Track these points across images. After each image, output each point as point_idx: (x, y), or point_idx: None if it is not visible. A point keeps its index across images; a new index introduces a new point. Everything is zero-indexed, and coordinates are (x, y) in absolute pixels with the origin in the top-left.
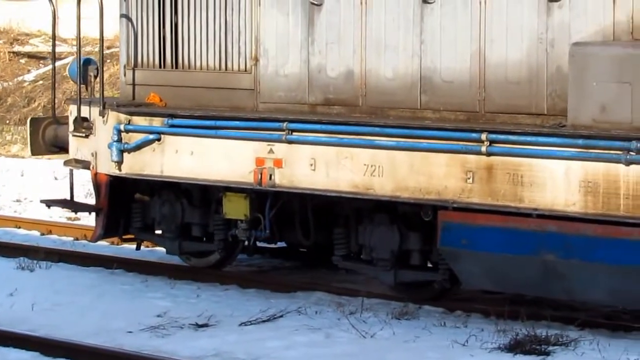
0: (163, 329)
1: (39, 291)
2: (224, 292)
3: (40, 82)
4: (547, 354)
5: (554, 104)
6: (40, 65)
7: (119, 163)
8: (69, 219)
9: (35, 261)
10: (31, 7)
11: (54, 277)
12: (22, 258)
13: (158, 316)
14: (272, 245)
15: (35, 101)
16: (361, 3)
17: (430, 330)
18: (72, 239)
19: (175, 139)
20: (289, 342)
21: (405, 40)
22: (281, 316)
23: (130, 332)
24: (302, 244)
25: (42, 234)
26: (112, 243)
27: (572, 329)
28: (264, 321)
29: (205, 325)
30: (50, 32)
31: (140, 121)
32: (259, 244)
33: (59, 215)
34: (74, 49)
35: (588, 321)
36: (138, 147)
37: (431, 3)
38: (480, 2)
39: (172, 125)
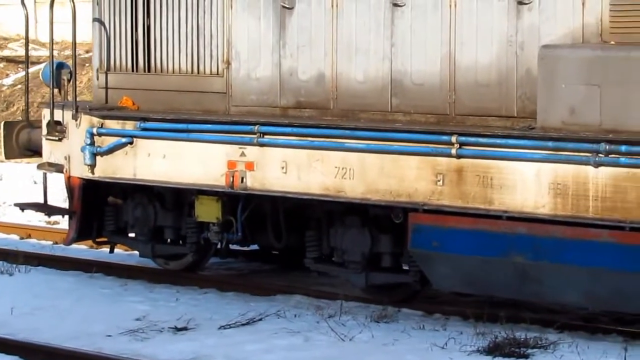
0: (142, 333)
1: (18, 295)
2: (203, 295)
3: (19, 86)
4: (526, 356)
5: (524, 107)
6: (19, 69)
7: (92, 166)
8: (48, 223)
9: (14, 265)
10: (9, 11)
11: (33, 281)
12: (1, 262)
13: (137, 320)
14: (245, 248)
15: (14, 105)
16: (332, 6)
17: (409, 333)
18: (51, 242)
19: (148, 142)
20: (268, 346)
21: (375, 43)
22: (260, 319)
23: (109, 335)
24: (274, 247)
25: (22, 238)
26: (91, 247)
27: (551, 331)
28: (243, 324)
29: (185, 329)
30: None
31: (112, 125)
32: (232, 246)
33: (38, 219)
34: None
35: (567, 324)
36: (111, 150)
37: (401, 6)
38: (450, 5)
39: (144, 129)
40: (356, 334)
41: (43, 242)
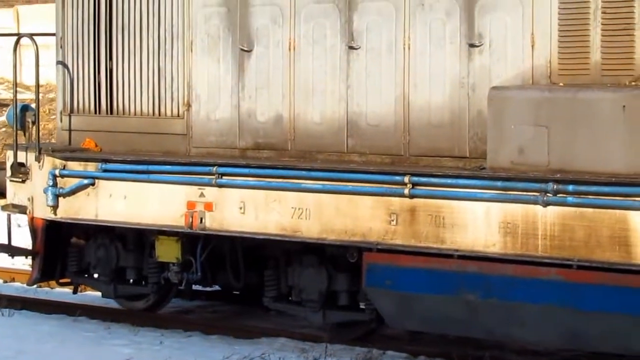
0: None
1: (2, 339)
2: (187, 338)
3: (4, 129)
4: None
5: (475, 147)
6: (3, 112)
7: (55, 207)
8: (31, 266)
9: None
10: None
11: (17, 325)
12: None
13: None
14: (208, 289)
15: None
16: (289, 49)
17: None
18: (35, 286)
19: (109, 183)
20: None
21: (332, 85)
22: None
23: None
24: (234, 287)
25: (5, 282)
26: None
27: None
28: None
29: None
30: (12, 79)
31: (75, 166)
32: (195, 287)
33: (22, 262)
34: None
35: None
36: (73, 191)
37: (357, 49)
38: (404, 48)
39: (106, 170)
40: None
41: (27, 285)
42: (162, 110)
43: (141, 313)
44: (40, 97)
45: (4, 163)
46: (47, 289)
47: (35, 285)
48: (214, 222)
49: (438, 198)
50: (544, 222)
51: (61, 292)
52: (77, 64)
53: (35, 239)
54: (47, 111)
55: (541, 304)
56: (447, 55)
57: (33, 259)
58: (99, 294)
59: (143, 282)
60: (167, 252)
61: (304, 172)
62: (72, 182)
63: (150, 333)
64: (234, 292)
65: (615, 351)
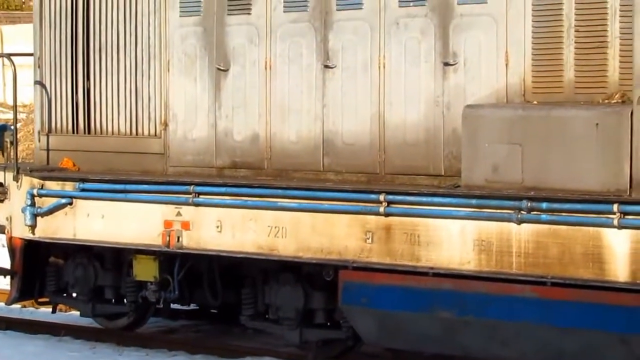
0: None
1: None
2: (172, 358)
3: None
4: None
5: (450, 165)
6: None
7: (33, 227)
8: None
9: None
10: None
11: (1, 345)
12: None
13: None
14: (186, 307)
15: None
16: (266, 68)
17: None
18: (19, 306)
19: (87, 202)
20: None
21: (308, 104)
22: None
23: None
24: (211, 305)
25: None
26: (60, 310)
27: None
28: None
29: None
30: None
31: (53, 186)
32: (173, 305)
33: (6, 282)
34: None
35: None
36: (51, 211)
37: (332, 68)
38: (379, 66)
39: (83, 190)
40: None
41: (5, 304)
42: (140, 129)
43: (126, 333)
44: (24, 117)
45: None
46: (31, 308)
47: (19, 305)
48: (191, 240)
49: (413, 216)
50: (518, 240)
51: (46, 312)
52: (54, 83)
53: (14, 258)
54: (31, 131)
55: (516, 321)
56: (422, 73)
57: (12, 278)
58: None
59: (121, 301)
60: (145, 271)
61: (280, 191)
62: (50, 202)
63: (135, 353)
64: (212, 311)
65: None
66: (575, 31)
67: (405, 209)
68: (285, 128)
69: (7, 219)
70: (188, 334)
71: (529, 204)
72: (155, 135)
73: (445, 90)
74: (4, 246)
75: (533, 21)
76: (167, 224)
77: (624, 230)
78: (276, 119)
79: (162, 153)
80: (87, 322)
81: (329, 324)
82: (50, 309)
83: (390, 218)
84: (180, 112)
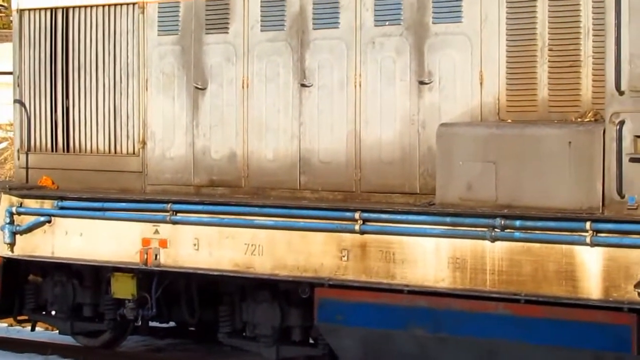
0: None
1: None
2: None
3: None
4: None
5: (425, 183)
6: None
7: (12, 245)
8: None
9: None
10: None
11: None
12: None
13: None
14: (164, 325)
15: None
16: (243, 87)
17: None
18: (5, 325)
19: (65, 220)
20: None
21: (285, 122)
22: None
23: None
24: (189, 322)
25: None
26: (47, 328)
27: None
28: None
29: None
30: None
31: (31, 204)
32: (152, 323)
33: None
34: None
35: None
36: (29, 229)
37: (309, 86)
38: (355, 85)
39: (62, 208)
40: None
41: None
42: (118, 148)
43: (112, 351)
44: (12, 135)
45: None
46: (18, 327)
47: (6, 324)
48: (168, 258)
49: (388, 234)
50: (492, 257)
51: (43, 332)
52: (34, 102)
53: None
54: None
55: (490, 338)
56: (397, 92)
57: None
58: None
59: (100, 319)
60: (123, 288)
61: (256, 209)
62: (29, 220)
63: None
64: (190, 329)
65: None
66: (549, 50)
67: (381, 226)
68: (262, 146)
69: None
70: (175, 353)
71: (502, 222)
72: (134, 153)
73: (420, 108)
74: None
75: (507, 40)
76: (145, 242)
77: (596, 248)
78: (253, 137)
79: (140, 171)
80: (75, 340)
81: (306, 341)
82: (30, 327)
83: (366, 236)
84: (159, 131)
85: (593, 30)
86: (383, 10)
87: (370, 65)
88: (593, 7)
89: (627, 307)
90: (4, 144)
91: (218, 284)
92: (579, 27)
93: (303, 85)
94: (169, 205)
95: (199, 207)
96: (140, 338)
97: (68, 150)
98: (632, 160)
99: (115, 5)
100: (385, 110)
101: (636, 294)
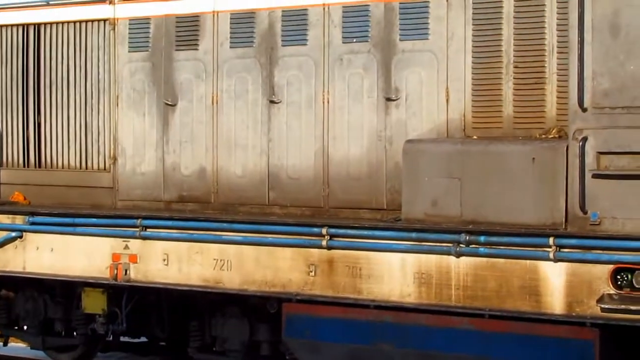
0: None
1: None
2: None
3: None
4: None
5: (392, 199)
6: None
7: None
8: None
9: None
10: None
11: None
12: None
13: None
14: (136, 340)
15: None
16: (212, 103)
17: None
18: None
19: (36, 236)
20: None
21: (254, 138)
22: None
23: None
24: (159, 337)
25: None
26: (19, 343)
27: None
28: None
29: None
30: None
31: (3, 219)
32: (122, 338)
33: None
34: None
35: None
36: (1, 244)
37: (277, 103)
38: (323, 102)
39: (33, 223)
40: None
41: None
42: (89, 163)
43: None
44: None
45: None
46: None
47: None
48: (138, 273)
49: (355, 249)
50: (457, 273)
51: (15, 347)
52: (5, 118)
53: None
54: None
55: (455, 353)
56: (365, 109)
57: None
58: None
59: (72, 334)
60: (94, 303)
61: (225, 224)
62: (0, 235)
63: None
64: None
65: None
66: (514, 67)
67: (347, 242)
68: (231, 162)
69: None
70: None
71: (467, 238)
72: (105, 169)
73: (387, 125)
74: None
75: (473, 57)
76: (115, 257)
77: (559, 263)
78: (223, 153)
79: (111, 187)
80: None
81: (275, 356)
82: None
83: (333, 251)
84: (129, 147)
85: (557, 47)
86: (351, 27)
87: (338, 81)
88: (557, 25)
89: (590, 322)
90: None
91: (188, 299)
92: (544, 44)
93: (272, 102)
94: (138, 221)
95: (169, 223)
96: (122, 354)
97: (40, 166)
98: (595, 176)
99: (87, 21)
100: (353, 127)
101: (599, 309)
